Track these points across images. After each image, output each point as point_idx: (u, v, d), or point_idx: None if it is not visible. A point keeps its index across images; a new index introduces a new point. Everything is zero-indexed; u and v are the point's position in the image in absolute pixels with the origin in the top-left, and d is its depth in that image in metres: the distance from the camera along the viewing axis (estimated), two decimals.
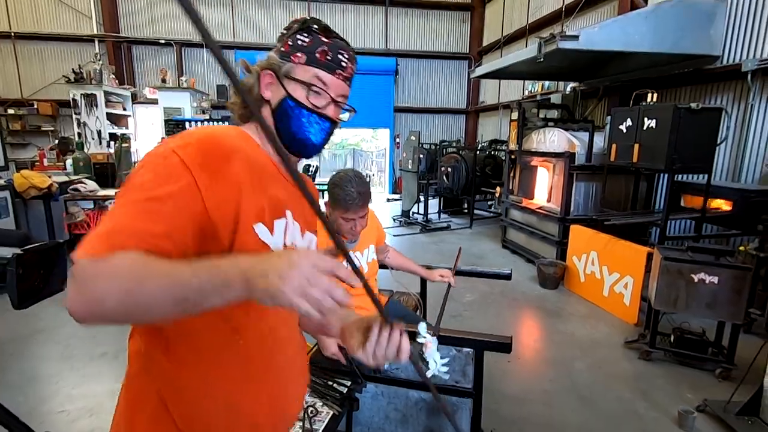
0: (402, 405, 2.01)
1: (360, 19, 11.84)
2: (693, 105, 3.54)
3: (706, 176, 3.86)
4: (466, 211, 9.26)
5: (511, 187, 6.27)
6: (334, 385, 1.96)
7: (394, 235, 7.36)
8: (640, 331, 3.55)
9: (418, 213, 8.46)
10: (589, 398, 2.78)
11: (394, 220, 8.55)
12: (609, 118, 4.41)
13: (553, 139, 5.26)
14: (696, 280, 2.95)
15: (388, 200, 11.76)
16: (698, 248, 3.11)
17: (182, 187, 0.70)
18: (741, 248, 3.70)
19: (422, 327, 1.73)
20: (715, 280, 2.90)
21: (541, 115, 5.96)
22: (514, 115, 6.29)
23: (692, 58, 4.85)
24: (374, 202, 11.50)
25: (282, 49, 0.89)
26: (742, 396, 2.48)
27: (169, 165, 0.71)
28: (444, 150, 8.60)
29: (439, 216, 8.67)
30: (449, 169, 7.84)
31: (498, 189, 7.09)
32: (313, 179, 10.72)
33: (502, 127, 10.52)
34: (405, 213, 8.36)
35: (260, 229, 0.81)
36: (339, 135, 19.70)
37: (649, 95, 4.20)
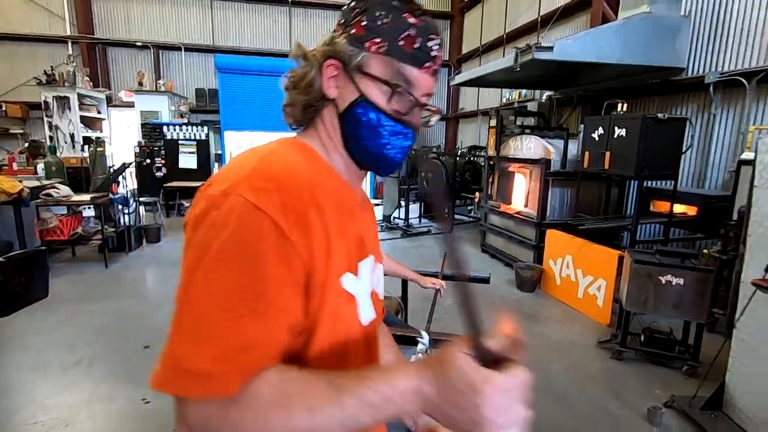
0: None
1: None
2: (660, 115, 3.72)
3: (673, 183, 4.04)
4: (447, 215, 9.38)
5: (489, 193, 6.40)
6: None
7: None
8: (613, 332, 3.69)
9: (399, 218, 8.53)
10: (565, 399, 2.88)
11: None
12: (582, 126, 4.58)
13: (529, 146, 5.41)
14: (663, 282, 3.10)
15: None
16: (666, 251, 3.27)
17: (282, 258, 0.53)
18: (705, 251, 3.89)
19: (425, 336, 1.78)
20: (681, 281, 3.05)
21: (519, 123, 6.13)
22: (493, 122, 6.43)
23: (659, 70, 5.08)
24: None
25: (352, 31, 0.68)
26: (707, 391, 2.62)
27: (257, 230, 0.53)
28: (425, 156, 8.70)
29: (420, 221, 8.76)
30: (430, 175, 7.94)
31: (477, 194, 7.22)
32: None
33: (481, 134, 10.72)
34: (386, 218, 8.41)
35: (347, 278, 0.66)
36: None
37: (620, 105, 4.38)
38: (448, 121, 12.82)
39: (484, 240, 6.55)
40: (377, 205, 11.59)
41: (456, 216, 8.66)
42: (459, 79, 6.60)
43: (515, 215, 5.58)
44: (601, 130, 4.15)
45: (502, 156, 5.89)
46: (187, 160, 9.29)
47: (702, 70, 4.92)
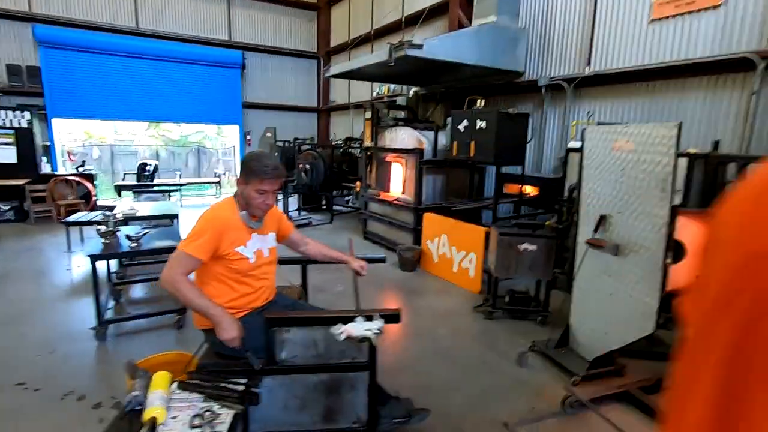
0: (300, 392, 2.06)
1: (201, 6, 10.89)
2: (510, 110, 4.39)
3: (521, 168, 4.82)
4: (324, 207, 9.46)
5: (368, 182, 6.68)
6: (229, 385, 1.90)
7: None
8: (484, 297, 4.27)
9: None
10: (450, 357, 3.25)
11: None
12: (449, 119, 5.11)
13: (403, 137, 5.81)
14: (521, 249, 3.71)
15: None
16: (521, 224, 3.91)
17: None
18: (547, 223, 4.74)
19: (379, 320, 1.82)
20: (534, 248, 3.70)
21: (392, 115, 6.51)
22: (368, 115, 6.71)
23: (505, 73, 5.95)
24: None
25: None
26: (556, 334, 3.25)
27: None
28: (299, 147, 8.62)
29: (299, 213, 8.67)
30: (307, 166, 7.91)
31: (358, 183, 7.45)
32: (151, 179, 9.50)
33: (354, 126, 11.04)
34: None
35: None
36: (178, 131, 17.64)
37: (479, 101, 5.02)
38: (320, 113, 12.85)
39: (366, 227, 6.84)
40: None
41: (335, 207, 8.79)
42: (334, 70, 6.70)
43: (394, 202, 5.96)
44: (465, 123, 4.71)
45: (379, 147, 6.20)
46: (3, 154, 7.50)
47: (536, 74, 5.92)
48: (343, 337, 1.74)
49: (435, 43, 4.94)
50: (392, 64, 4.98)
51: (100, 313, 3.24)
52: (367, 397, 2.09)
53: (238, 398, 1.81)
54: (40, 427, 2.36)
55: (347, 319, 1.86)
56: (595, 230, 2.88)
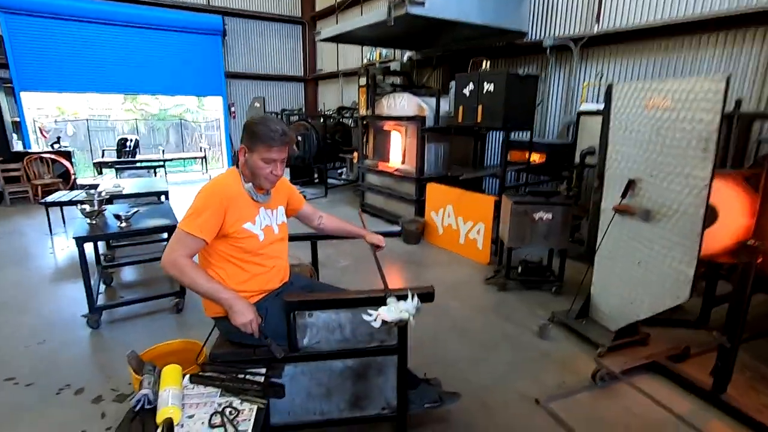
0: (326, 379, 1.89)
1: None
2: (520, 71, 4.13)
3: (528, 134, 4.61)
4: (317, 180, 9.16)
5: (365, 153, 6.40)
6: (247, 376, 1.71)
7: None
8: (494, 269, 4.13)
9: None
10: (468, 331, 3.13)
11: None
12: (453, 83, 4.83)
13: (402, 104, 5.52)
14: (536, 218, 3.55)
15: None
16: (535, 192, 3.74)
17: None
18: (558, 190, 4.59)
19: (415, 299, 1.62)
20: (550, 216, 3.54)
21: (389, 81, 6.17)
22: (363, 81, 6.36)
23: (507, 33, 5.63)
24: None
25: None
26: (571, 304, 3.13)
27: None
28: (288, 119, 8.23)
29: None
30: (299, 138, 7.56)
31: (355, 154, 7.15)
32: (133, 155, 9.03)
33: (344, 95, 10.60)
34: None
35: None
36: (156, 105, 16.91)
37: (484, 62, 4.74)
38: (307, 83, 12.31)
39: (363, 200, 6.61)
40: None
41: (328, 180, 8.49)
42: (325, 34, 6.28)
43: (394, 173, 5.72)
44: (471, 86, 4.44)
45: (376, 115, 5.90)
46: None
47: (540, 35, 5.62)
48: (378, 323, 1.54)
49: (437, 0, 4.59)
50: (391, 24, 4.63)
51: (91, 299, 2.99)
52: (396, 382, 1.93)
53: (261, 391, 1.62)
54: (38, 427, 2.15)
55: (377, 300, 1.67)
56: (623, 196, 2.71)
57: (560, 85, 5.54)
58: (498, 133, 6.09)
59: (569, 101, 5.41)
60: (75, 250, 4.86)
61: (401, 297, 1.65)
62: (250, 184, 1.76)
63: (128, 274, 4.25)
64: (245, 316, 1.64)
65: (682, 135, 2.36)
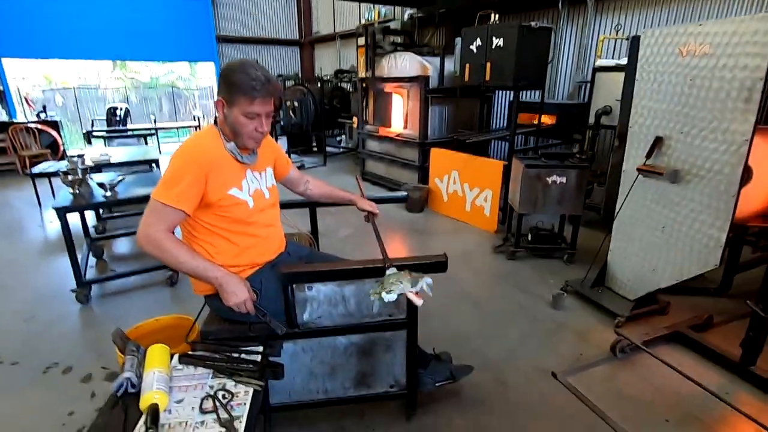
0: (329, 356, 1.73)
1: None
2: (533, 23, 3.80)
3: (541, 93, 4.31)
4: (315, 148, 8.87)
5: (365, 118, 6.10)
6: (242, 355, 1.55)
7: None
8: (502, 237, 3.95)
9: None
10: (479, 301, 2.98)
11: None
12: (458, 39, 4.49)
13: (404, 64, 5.18)
14: (550, 182, 3.33)
15: None
16: (549, 155, 3.49)
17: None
18: (573, 152, 4.34)
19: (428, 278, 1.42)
20: (564, 180, 3.32)
21: (390, 40, 5.80)
22: (362, 41, 5.99)
23: None
24: None
25: None
26: (583, 273, 2.96)
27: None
28: (284, 84, 7.86)
29: (290, 156, 8.09)
30: (296, 104, 7.22)
31: (354, 120, 6.84)
32: (123, 124, 8.69)
33: (342, 58, 10.14)
34: None
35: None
36: (147, 72, 16.35)
37: (492, 15, 4.38)
38: (302, 46, 11.78)
39: (364, 168, 6.36)
40: None
41: (327, 148, 8.21)
42: None
43: (396, 138, 5.46)
44: (479, 41, 4.11)
45: (377, 77, 5.56)
46: None
47: None
48: (393, 297, 1.36)
49: None
50: None
51: (78, 272, 2.82)
52: (406, 358, 1.78)
53: (257, 372, 1.46)
54: (23, 407, 2.02)
55: (380, 271, 1.49)
56: (648, 155, 2.49)
57: (572, 42, 5.18)
58: (505, 94, 5.77)
59: (581, 59, 5.08)
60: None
61: (401, 267, 1.47)
62: (233, 143, 1.50)
63: (120, 246, 4.07)
64: (237, 296, 1.45)
65: (720, 85, 2.11)
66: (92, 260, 3.59)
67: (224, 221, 1.53)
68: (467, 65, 4.25)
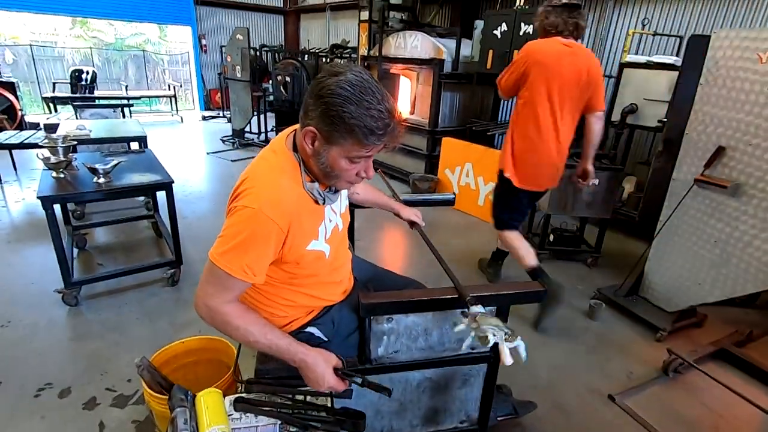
0: (399, 392, 1.50)
1: None
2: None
3: None
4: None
5: None
6: (308, 398, 1.31)
7: (232, 161, 6.12)
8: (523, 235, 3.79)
9: (252, 132, 7.23)
10: (515, 313, 2.81)
11: (223, 142, 7.11)
12: (478, 22, 4.21)
13: (416, 45, 4.86)
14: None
15: (204, 119, 9.77)
16: (579, 154, 3.32)
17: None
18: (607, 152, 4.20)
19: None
20: (596, 181, 3.16)
21: (398, 17, 5.42)
22: (364, 16, 5.58)
23: None
24: (187, 123, 9.40)
25: None
26: (605, 281, 2.86)
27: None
28: (275, 56, 7.32)
29: (277, 134, 7.61)
30: (287, 79, 6.74)
31: None
32: (90, 90, 7.87)
33: (331, 32, 9.59)
34: (237, 132, 7.01)
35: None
36: (111, 33, 15.00)
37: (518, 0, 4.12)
38: (287, 15, 11.06)
39: None
40: (213, 117, 9.70)
41: None
42: None
43: (403, 123, 5.15)
44: (504, 27, 3.86)
45: (384, 56, 5.20)
46: None
47: None
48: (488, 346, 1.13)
49: None
50: None
51: (66, 271, 2.43)
52: (482, 393, 1.58)
53: (336, 423, 1.23)
54: None
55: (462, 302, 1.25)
56: (707, 165, 2.36)
57: (588, 33, 5.00)
58: None
59: (597, 51, 4.91)
60: (32, 202, 4.16)
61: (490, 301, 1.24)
62: (316, 184, 1.14)
63: (104, 234, 3.63)
64: (322, 384, 1.15)
65: None
66: (75, 251, 3.16)
67: (295, 277, 1.21)
68: (490, 51, 3.99)
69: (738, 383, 2.21)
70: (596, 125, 2.59)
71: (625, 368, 2.31)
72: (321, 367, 1.14)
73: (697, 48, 2.47)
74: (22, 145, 3.88)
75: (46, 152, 2.65)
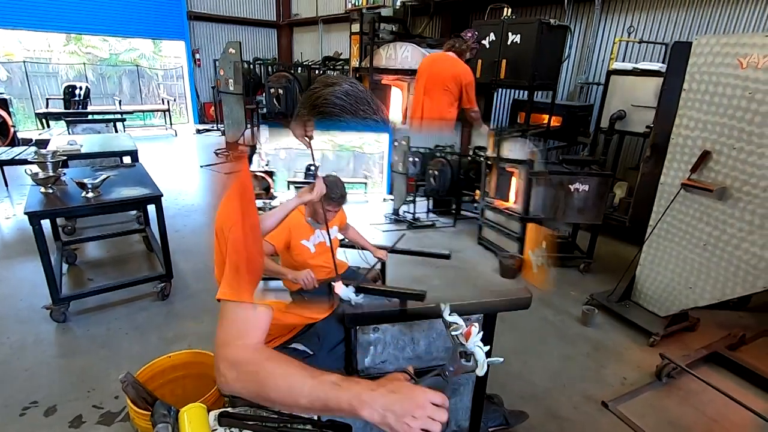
0: None
1: None
2: (552, 21, 3.63)
3: (552, 94, 4.17)
4: (453, 211, 8.30)
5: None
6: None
7: (226, 173, 6.14)
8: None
9: (408, 212, 7.10)
10: (504, 316, 2.79)
11: (217, 154, 7.13)
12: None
13: (405, 55, 4.90)
14: (572, 189, 3.20)
15: (198, 132, 9.78)
16: (569, 160, 3.36)
17: None
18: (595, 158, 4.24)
19: (448, 308, 1.17)
20: (587, 187, 3.20)
21: (388, 28, 5.48)
22: (355, 28, 5.64)
23: None
24: (181, 136, 9.40)
25: None
26: (598, 287, 2.86)
27: None
28: (268, 69, 7.37)
29: (428, 215, 7.43)
30: (280, 91, 6.77)
31: (477, 192, 6.26)
32: (83, 106, 7.88)
33: (324, 45, 9.68)
34: (395, 211, 6.94)
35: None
36: (106, 48, 15.06)
37: (505, 9, 4.18)
38: (280, 29, 11.17)
39: (481, 233, 6.05)
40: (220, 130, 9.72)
41: (463, 212, 7.28)
42: None
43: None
44: (492, 37, 3.91)
45: (375, 67, 5.25)
46: None
47: None
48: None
49: None
50: None
51: (54, 287, 2.41)
52: (472, 403, 1.57)
53: None
54: None
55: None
56: (694, 169, 2.38)
57: (575, 41, 5.08)
58: (505, 92, 5.62)
59: (584, 59, 4.99)
60: (23, 218, 4.13)
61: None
62: (311, 219, 1.93)
63: (95, 248, 3.61)
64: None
65: None
66: (63, 266, 3.14)
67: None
68: (479, 61, 4.04)
69: (731, 387, 2.21)
70: None
71: (618, 374, 2.30)
72: (408, 401, 0.73)
73: (680, 54, 2.51)
74: (13, 161, 3.85)
75: (34, 168, 2.64)
